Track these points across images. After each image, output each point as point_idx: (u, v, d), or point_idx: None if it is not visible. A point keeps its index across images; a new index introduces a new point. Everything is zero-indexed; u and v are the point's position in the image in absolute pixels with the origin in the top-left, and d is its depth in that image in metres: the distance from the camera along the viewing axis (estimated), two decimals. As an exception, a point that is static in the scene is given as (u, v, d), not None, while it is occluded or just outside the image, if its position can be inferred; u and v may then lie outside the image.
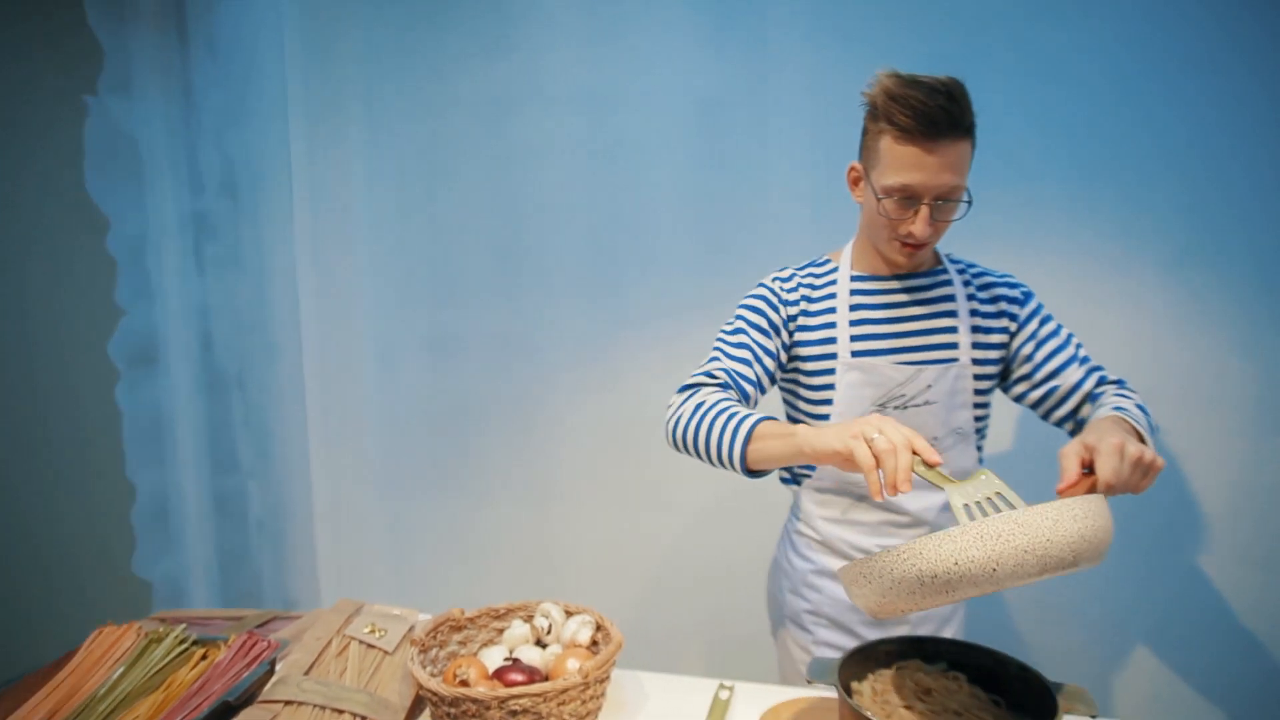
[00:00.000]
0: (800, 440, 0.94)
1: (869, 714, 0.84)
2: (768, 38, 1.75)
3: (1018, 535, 0.73)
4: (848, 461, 0.88)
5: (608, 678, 1.04)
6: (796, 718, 1.01)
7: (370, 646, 1.17)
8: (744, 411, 1.05)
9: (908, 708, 0.91)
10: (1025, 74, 1.64)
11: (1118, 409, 1.10)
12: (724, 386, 1.14)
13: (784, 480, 1.33)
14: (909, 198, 1.08)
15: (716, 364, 1.17)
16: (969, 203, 1.10)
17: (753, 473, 1.04)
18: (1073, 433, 1.22)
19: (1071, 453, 0.94)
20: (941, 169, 1.05)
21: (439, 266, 2.01)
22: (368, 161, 2.02)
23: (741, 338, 1.19)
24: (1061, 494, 0.90)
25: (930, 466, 0.86)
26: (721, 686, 1.11)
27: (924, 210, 1.08)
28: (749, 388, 1.16)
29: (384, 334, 2.07)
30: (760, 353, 1.18)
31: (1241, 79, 1.55)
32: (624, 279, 1.91)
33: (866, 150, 1.13)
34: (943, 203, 1.08)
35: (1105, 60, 1.60)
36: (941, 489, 0.87)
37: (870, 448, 0.85)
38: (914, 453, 0.85)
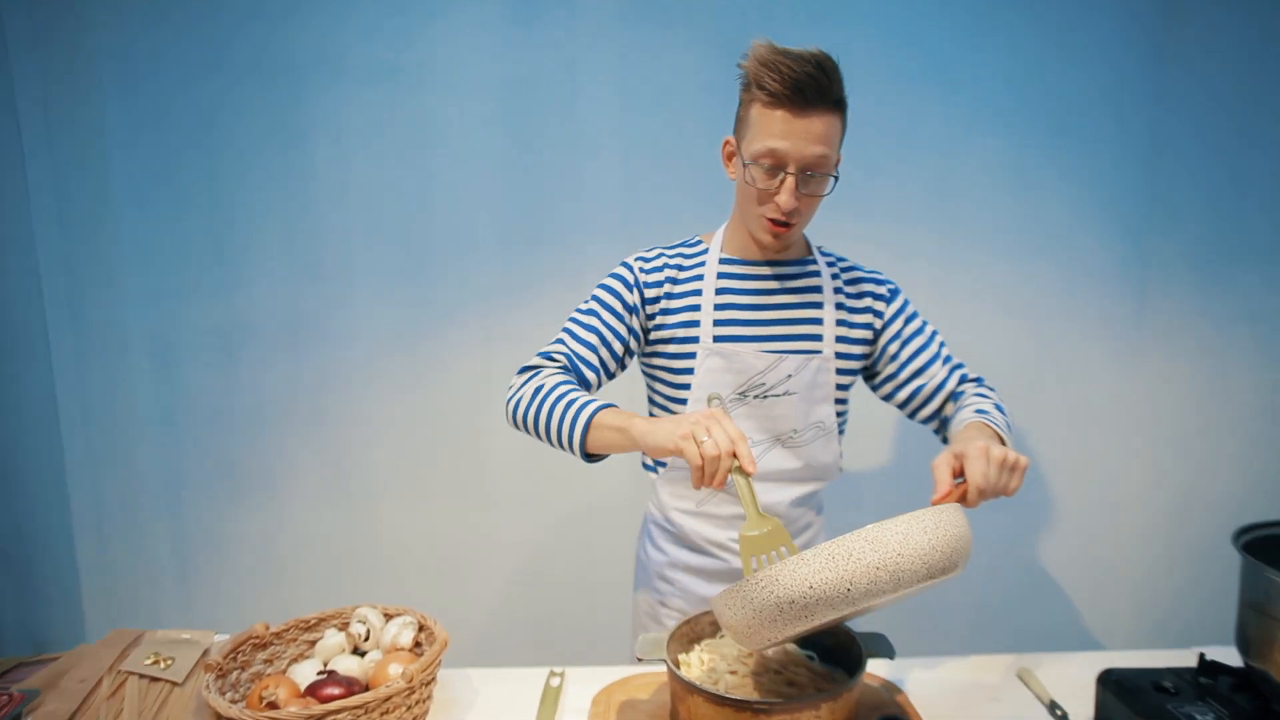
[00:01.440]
0: (634, 434, 0.96)
1: (697, 683, 0.88)
2: (577, 18, 1.74)
3: (868, 553, 0.74)
4: (683, 439, 0.91)
5: (434, 679, 1.00)
6: (629, 695, 1.02)
7: (154, 680, 1.03)
8: (584, 397, 1.04)
9: (732, 673, 0.96)
10: (849, 61, 1.74)
11: (979, 411, 1.13)
12: (564, 370, 1.13)
13: (645, 466, 1.30)
14: (775, 165, 1.06)
15: (560, 346, 1.15)
16: (836, 178, 1.09)
17: (591, 457, 1.05)
18: (937, 430, 1.25)
19: (942, 463, 0.97)
20: (809, 138, 1.04)
21: (224, 249, 1.80)
22: (125, 128, 1.76)
23: (592, 320, 1.17)
24: (936, 505, 0.92)
25: (746, 475, 0.90)
26: (552, 674, 1.10)
27: (790, 180, 1.06)
28: (590, 373, 1.14)
29: (159, 325, 1.82)
30: (609, 336, 1.16)
31: (1077, 73, 1.75)
32: (432, 263, 1.83)
33: (739, 122, 1.12)
34: (810, 174, 1.07)
35: (941, 55, 1.75)
36: (744, 497, 0.92)
37: (699, 449, 0.89)
38: (733, 456, 0.89)
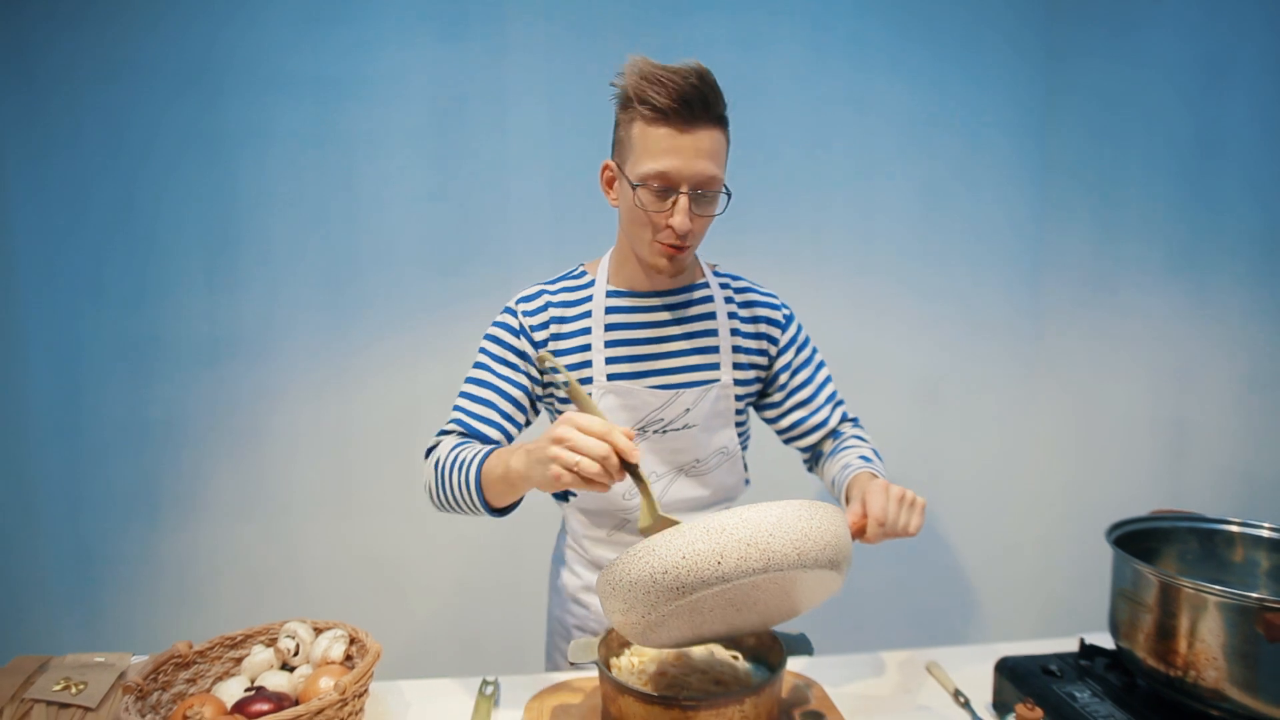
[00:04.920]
0: (513, 476, 0.92)
1: (628, 683, 0.91)
2: (507, 37, 1.77)
3: (741, 529, 0.77)
4: (556, 479, 0.84)
5: (366, 692, 1.00)
6: (562, 700, 1.05)
7: (64, 706, 0.99)
8: (470, 455, 1.01)
9: (662, 674, 1.00)
10: (757, 75, 1.82)
11: (864, 458, 1.15)
12: (460, 438, 1.10)
13: (555, 496, 1.28)
14: (666, 187, 1.02)
15: (455, 414, 1.13)
16: (729, 195, 1.05)
17: (501, 511, 1.03)
18: (806, 460, 1.29)
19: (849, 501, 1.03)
20: (697, 155, 1.00)
21: (137, 259, 1.74)
22: (28, 128, 1.68)
23: (483, 375, 1.14)
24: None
25: (632, 466, 0.85)
26: (484, 683, 1.12)
27: (682, 200, 1.02)
28: (492, 431, 1.12)
29: (62, 338, 1.74)
30: (508, 387, 1.14)
31: (977, 98, 1.88)
32: (358, 276, 1.82)
33: (619, 144, 1.07)
34: (701, 194, 1.03)
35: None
36: (643, 491, 0.88)
37: (578, 474, 0.82)
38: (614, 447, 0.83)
